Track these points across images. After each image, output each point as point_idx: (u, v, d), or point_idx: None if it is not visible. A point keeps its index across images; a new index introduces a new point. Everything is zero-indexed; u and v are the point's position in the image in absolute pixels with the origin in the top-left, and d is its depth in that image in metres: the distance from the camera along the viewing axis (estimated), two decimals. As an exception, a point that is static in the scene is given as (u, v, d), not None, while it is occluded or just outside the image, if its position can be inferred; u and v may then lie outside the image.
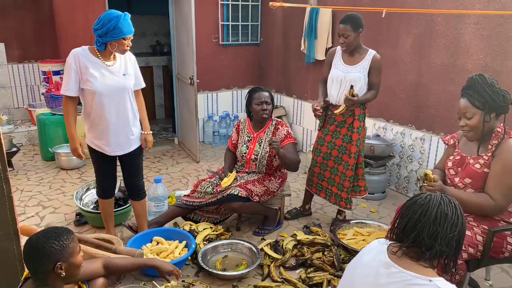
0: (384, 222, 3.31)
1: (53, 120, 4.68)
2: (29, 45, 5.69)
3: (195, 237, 2.99)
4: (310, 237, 3.10)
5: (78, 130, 4.59)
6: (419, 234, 1.46)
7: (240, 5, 5.58)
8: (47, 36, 5.73)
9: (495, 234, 2.15)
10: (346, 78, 3.09)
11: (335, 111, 3.13)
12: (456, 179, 2.30)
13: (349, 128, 3.17)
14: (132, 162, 2.89)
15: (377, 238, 2.95)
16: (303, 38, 4.94)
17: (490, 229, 2.15)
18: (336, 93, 3.17)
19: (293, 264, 2.87)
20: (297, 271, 2.83)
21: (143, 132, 2.96)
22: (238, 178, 3.26)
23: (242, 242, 3.01)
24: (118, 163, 2.92)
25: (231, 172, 3.26)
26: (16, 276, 1.96)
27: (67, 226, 3.30)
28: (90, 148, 2.81)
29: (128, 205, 3.35)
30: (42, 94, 5.47)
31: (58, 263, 1.65)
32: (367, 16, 4.05)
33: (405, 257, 1.49)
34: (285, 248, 2.99)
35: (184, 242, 2.91)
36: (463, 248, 2.11)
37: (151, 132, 3.00)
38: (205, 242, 3.01)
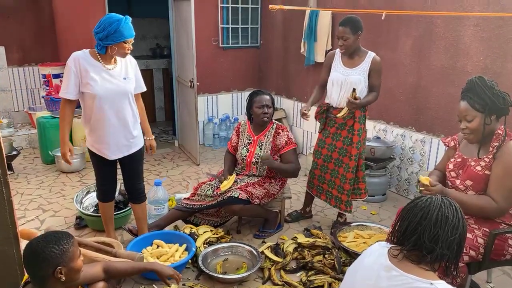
0: (384, 225, 3.30)
1: (53, 123, 4.67)
2: (29, 49, 5.69)
3: (195, 240, 2.98)
4: (311, 240, 3.10)
5: (78, 133, 4.67)
6: (420, 237, 1.46)
7: (240, 8, 5.59)
8: (47, 40, 5.74)
9: (496, 236, 2.14)
10: (347, 81, 3.09)
11: (338, 115, 3.13)
12: (457, 182, 2.30)
13: (350, 131, 3.17)
14: (132, 165, 2.89)
15: (377, 241, 2.96)
16: (302, 41, 4.94)
17: (491, 231, 2.14)
18: (336, 96, 3.17)
19: (294, 267, 2.86)
20: (298, 274, 2.82)
21: (146, 138, 2.96)
22: (238, 180, 3.25)
23: (242, 245, 3.00)
24: (118, 166, 2.92)
25: (231, 175, 3.25)
26: (16, 280, 1.95)
27: (67, 230, 3.32)
28: (90, 152, 2.80)
29: (128, 208, 3.34)
30: (42, 97, 5.47)
31: (58, 268, 1.65)
32: (366, 18, 4.06)
33: (406, 260, 1.49)
34: (286, 251, 2.98)
35: (184, 245, 2.90)
36: (464, 251, 2.10)
37: (153, 136, 3.01)
38: (205, 245, 3.00)
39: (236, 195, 3.02)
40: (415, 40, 3.83)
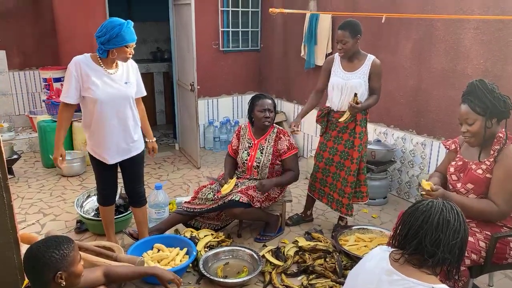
0: (385, 228, 3.29)
1: (54, 127, 4.65)
2: (30, 52, 5.70)
3: (196, 244, 2.98)
4: (312, 243, 3.09)
5: (79, 137, 4.66)
6: (421, 241, 1.45)
7: (240, 11, 5.60)
8: (48, 43, 5.75)
9: (498, 240, 2.13)
10: (347, 85, 3.09)
11: (340, 120, 3.14)
12: (458, 185, 2.29)
13: (351, 134, 3.17)
14: (133, 168, 2.89)
15: (379, 244, 2.97)
16: (303, 44, 4.95)
17: (493, 235, 2.14)
18: (337, 100, 3.17)
19: (295, 271, 2.85)
20: (299, 278, 2.81)
21: (148, 140, 2.97)
22: (239, 184, 3.25)
23: (243, 249, 2.99)
24: (119, 169, 2.92)
25: (232, 178, 3.25)
26: (16, 285, 1.95)
27: (67, 234, 3.32)
28: (90, 156, 2.80)
29: (128, 212, 3.34)
30: (43, 101, 5.48)
31: (59, 272, 1.64)
32: (367, 21, 4.07)
33: (407, 264, 1.49)
34: (287, 254, 2.98)
35: (185, 249, 2.90)
36: (466, 254, 2.09)
37: (155, 139, 3.03)
38: (206, 249, 3.00)
39: (237, 199, 3.02)
40: (415, 43, 3.83)
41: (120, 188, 3.30)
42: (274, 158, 3.25)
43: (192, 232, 3.18)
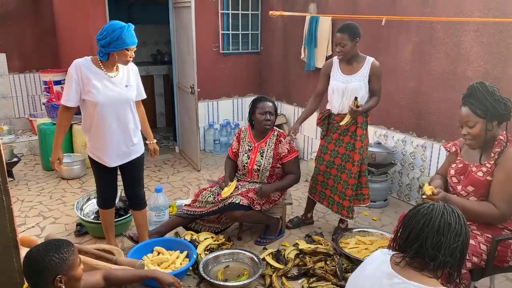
0: (386, 231, 3.29)
1: (54, 130, 4.61)
2: (30, 55, 5.71)
3: (196, 247, 2.97)
4: (312, 246, 3.08)
5: (79, 139, 4.66)
6: (423, 244, 1.45)
7: (240, 14, 5.61)
8: (48, 46, 5.76)
9: (499, 243, 2.13)
10: (348, 88, 3.09)
11: (341, 123, 3.14)
12: (459, 187, 2.29)
13: (352, 136, 3.16)
14: (133, 171, 2.88)
15: (379, 247, 2.96)
16: (303, 47, 4.95)
17: (494, 238, 2.13)
18: (338, 104, 3.17)
19: (295, 274, 2.84)
20: (299, 281, 2.80)
21: (149, 142, 2.97)
22: (239, 186, 3.25)
23: (243, 251, 2.99)
24: (118, 172, 2.91)
25: (232, 181, 3.25)
26: (16, 288, 1.94)
27: (67, 237, 3.31)
28: (90, 159, 2.80)
29: (128, 215, 3.33)
30: (43, 104, 5.48)
31: (58, 276, 1.64)
32: (367, 24, 4.08)
33: (408, 268, 1.48)
34: (287, 257, 2.97)
35: (185, 252, 2.89)
36: (467, 257, 2.09)
37: (155, 140, 3.03)
38: (206, 252, 2.99)
39: (237, 201, 3.01)
40: (415, 46, 3.83)
41: (120, 191, 3.29)
42: (274, 161, 3.25)
43: (192, 235, 3.17)
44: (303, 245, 3.10)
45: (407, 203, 4.11)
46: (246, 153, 3.32)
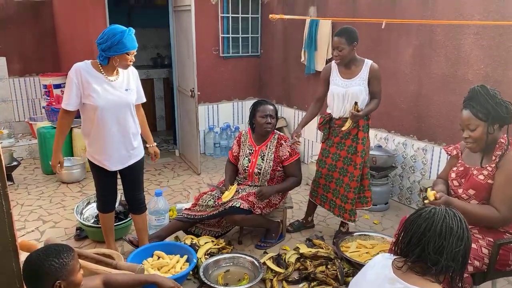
0: (387, 234, 3.27)
1: (53, 134, 4.59)
2: (30, 59, 5.71)
3: (196, 251, 2.96)
4: (313, 250, 3.07)
5: (79, 143, 4.65)
6: (424, 248, 1.44)
7: (240, 17, 5.62)
8: (48, 50, 5.76)
9: (501, 246, 2.12)
10: (348, 92, 3.08)
11: (343, 128, 3.14)
12: (460, 190, 2.28)
13: (354, 139, 3.16)
14: (133, 175, 2.88)
15: (381, 251, 2.95)
16: (303, 50, 4.96)
17: (495, 241, 2.12)
18: (338, 109, 3.17)
19: (296, 278, 2.83)
20: (300, 285, 2.79)
21: (149, 146, 2.97)
22: (240, 190, 3.24)
23: (244, 256, 2.97)
24: (118, 176, 2.90)
25: (232, 185, 3.24)
26: (15, 294, 1.93)
27: (67, 241, 3.30)
28: (90, 163, 2.79)
29: (128, 219, 3.32)
30: (43, 107, 5.48)
31: (58, 282, 1.63)
32: (366, 27, 4.08)
33: (410, 272, 1.47)
34: (288, 261, 2.95)
35: (185, 257, 2.87)
36: (469, 261, 2.07)
37: (155, 144, 3.03)
38: (206, 256, 2.98)
39: (237, 205, 3.00)
40: (416, 49, 3.83)
41: (120, 195, 3.28)
42: (275, 164, 3.24)
43: (192, 239, 3.16)
44: (304, 249, 3.09)
45: (408, 206, 4.09)
46: (247, 157, 3.31)
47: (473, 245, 2.13)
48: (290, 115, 5.57)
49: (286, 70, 5.51)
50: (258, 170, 3.24)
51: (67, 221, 3.69)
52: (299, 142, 3.26)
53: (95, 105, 2.57)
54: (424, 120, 3.87)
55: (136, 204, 2.96)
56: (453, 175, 2.35)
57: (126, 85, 2.70)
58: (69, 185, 4.50)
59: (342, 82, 3.13)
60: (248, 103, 5.53)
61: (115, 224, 3.10)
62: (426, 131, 3.87)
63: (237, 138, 3.45)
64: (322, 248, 3.12)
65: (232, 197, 3.10)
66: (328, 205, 3.38)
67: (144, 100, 2.92)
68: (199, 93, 4.71)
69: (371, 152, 3.84)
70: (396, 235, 1.65)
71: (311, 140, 5.19)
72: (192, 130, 4.90)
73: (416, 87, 3.89)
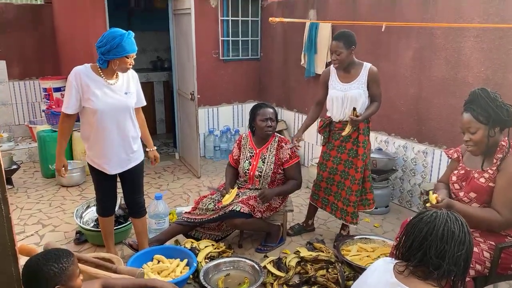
0: (388, 238, 3.26)
1: (53, 137, 4.65)
2: (30, 62, 5.71)
3: (196, 255, 2.94)
4: (314, 253, 3.06)
5: (79, 147, 4.65)
6: (426, 253, 1.44)
7: (240, 20, 5.62)
8: (48, 53, 5.76)
9: (503, 250, 2.11)
10: (347, 96, 3.08)
11: (343, 133, 3.13)
12: (461, 194, 2.27)
13: (355, 143, 3.15)
14: (132, 179, 2.87)
15: (381, 255, 2.94)
16: (303, 53, 4.96)
17: (497, 245, 2.11)
18: (338, 113, 3.16)
19: (297, 282, 2.81)
20: (301, 289, 2.77)
21: (149, 150, 2.96)
22: (240, 194, 3.23)
23: (244, 259, 2.96)
24: (118, 180, 2.90)
25: (233, 188, 3.23)
26: (14, 298, 1.91)
27: (67, 245, 3.29)
28: (90, 166, 2.78)
29: (128, 222, 3.31)
30: (43, 111, 5.48)
31: (57, 287, 1.62)
32: (366, 30, 4.09)
33: (412, 277, 1.46)
34: (288, 265, 2.94)
35: (185, 261, 2.86)
36: (471, 265, 2.06)
37: (155, 148, 3.02)
38: (206, 260, 2.96)
39: (237, 209, 2.99)
40: (416, 52, 3.83)
41: (120, 199, 3.27)
42: (276, 167, 3.23)
43: (192, 243, 3.15)
44: (305, 253, 3.08)
45: (408, 209, 4.08)
46: (247, 160, 3.30)
47: (475, 249, 2.12)
48: (290, 118, 5.57)
49: (286, 73, 5.51)
50: (259, 173, 3.23)
51: (67, 224, 3.68)
52: (299, 146, 3.26)
53: (94, 109, 2.57)
54: (425, 123, 3.86)
55: (136, 208, 2.95)
56: (454, 178, 2.34)
57: (126, 89, 2.69)
58: (68, 188, 4.49)
59: (341, 86, 3.13)
60: (248, 106, 5.53)
61: (114, 228, 3.09)
62: (427, 134, 3.86)
63: (237, 142, 3.44)
64: (323, 252, 3.11)
65: (232, 201, 3.09)
66: (330, 208, 3.37)
67: (144, 103, 2.91)
68: (199, 96, 4.71)
69: (371, 155, 3.83)
70: (397, 239, 1.64)
71: (311, 143, 5.18)
72: (192, 133, 4.89)
73: (416, 90, 3.89)
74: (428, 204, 2.11)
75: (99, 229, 3.06)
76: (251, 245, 3.37)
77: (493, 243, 2.16)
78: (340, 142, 3.21)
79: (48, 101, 5.42)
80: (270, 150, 3.26)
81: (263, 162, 3.25)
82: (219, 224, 3.30)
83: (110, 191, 2.89)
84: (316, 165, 3.48)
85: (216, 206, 3.13)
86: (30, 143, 5.43)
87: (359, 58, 3.18)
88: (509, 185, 2.10)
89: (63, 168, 2.74)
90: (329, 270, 2.87)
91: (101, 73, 2.61)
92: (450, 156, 2.45)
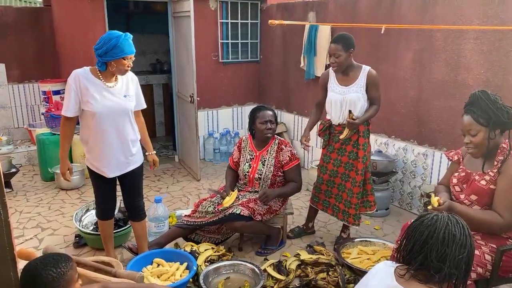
0: (388, 240, 3.24)
1: (52, 140, 4.65)
2: (29, 65, 5.70)
3: (196, 258, 2.93)
4: (314, 256, 3.05)
5: (78, 150, 4.64)
6: (427, 256, 1.43)
7: (239, 23, 5.62)
8: (47, 56, 5.76)
9: (504, 253, 2.10)
10: (345, 99, 3.08)
11: (340, 137, 3.13)
12: (462, 196, 2.27)
13: (355, 145, 3.15)
14: (132, 182, 2.86)
15: (382, 257, 2.92)
16: (302, 55, 4.96)
17: (498, 248, 2.10)
18: (337, 116, 3.16)
19: (297, 285, 2.80)
20: (301, 292, 2.76)
21: (148, 153, 2.95)
22: (240, 196, 3.22)
23: (244, 263, 2.94)
24: (118, 183, 2.89)
25: (233, 191, 3.22)
26: (13, 303, 1.90)
27: (66, 248, 3.28)
28: (89, 169, 2.78)
29: (128, 226, 3.30)
30: (42, 114, 5.47)
31: (55, 291, 1.61)
32: (366, 32, 4.08)
33: (413, 280, 1.46)
34: (289, 268, 2.93)
35: (185, 264, 2.85)
36: (472, 268, 2.05)
37: (154, 152, 3.01)
38: (206, 264, 2.95)
39: (237, 212, 2.98)
40: (415, 54, 3.83)
41: (119, 202, 3.26)
42: (276, 169, 3.22)
43: (192, 246, 3.14)
44: (305, 256, 3.07)
45: (409, 211, 4.08)
46: (247, 162, 3.29)
47: (476, 252, 2.11)
48: (290, 120, 5.56)
49: (285, 75, 5.51)
50: (259, 175, 3.23)
51: (66, 228, 3.67)
52: (308, 145, 3.24)
53: (93, 112, 2.56)
54: (425, 125, 3.86)
55: (135, 211, 2.94)
56: (454, 180, 2.33)
57: (125, 92, 2.69)
58: (68, 192, 4.47)
59: (339, 89, 3.12)
60: (248, 109, 5.52)
61: (114, 231, 3.08)
62: (427, 136, 3.85)
63: (237, 144, 3.43)
64: (323, 255, 3.10)
65: (232, 204, 3.08)
66: (331, 210, 3.36)
67: (144, 106, 2.90)
68: (198, 98, 4.71)
69: (371, 157, 3.83)
70: (398, 242, 1.63)
71: (311, 145, 5.17)
72: (191, 135, 4.89)
73: (416, 92, 3.88)
74: (430, 207, 2.10)
75: (99, 233, 3.05)
76: (251, 248, 3.35)
77: (494, 245, 2.15)
78: (340, 144, 3.20)
79: (48, 104, 5.41)
80: (270, 153, 3.25)
81: (263, 165, 3.24)
82: (219, 227, 3.29)
83: (110, 194, 2.88)
84: (316, 167, 3.47)
85: (216, 209, 3.12)
86: (29, 146, 5.42)
87: (358, 61, 3.17)
88: (510, 188, 2.09)
89: (68, 172, 2.73)
90: (330, 273, 2.86)
91: (100, 76, 2.60)
92: (451, 158, 2.44)
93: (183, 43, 4.79)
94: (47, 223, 3.77)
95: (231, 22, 5.56)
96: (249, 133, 3.38)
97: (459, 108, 2.28)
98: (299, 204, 4.22)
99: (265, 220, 3.21)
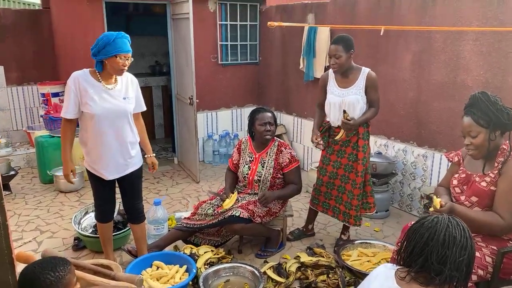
0: (388, 242, 3.24)
1: (51, 143, 4.64)
2: (28, 68, 5.70)
3: (196, 261, 2.92)
4: (314, 259, 3.04)
5: (77, 152, 4.63)
6: (428, 258, 1.42)
7: (238, 25, 5.62)
8: (46, 58, 5.75)
9: (505, 255, 2.09)
10: (344, 101, 3.07)
11: (335, 138, 3.13)
12: (462, 198, 2.26)
13: (354, 147, 3.14)
14: (131, 184, 2.85)
15: (382, 259, 2.92)
16: (301, 57, 4.95)
17: (499, 250, 2.09)
18: (336, 118, 3.15)
19: (297, 287, 2.79)
20: (301, 295, 2.75)
21: (147, 156, 2.94)
22: (240, 198, 3.21)
23: (244, 265, 2.93)
24: (117, 185, 2.88)
25: (233, 193, 3.21)
26: (11, 307, 1.89)
27: (65, 251, 3.27)
28: (88, 172, 2.77)
29: (127, 228, 3.29)
30: (41, 116, 5.46)
31: (54, 295, 1.59)
32: (365, 34, 4.09)
33: (414, 283, 1.45)
34: (289, 271, 2.92)
35: (184, 267, 2.84)
36: (473, 270, 2.05)
37: (153, 154, 3.00)
38: (206, 266, 2.94)
39: (237, 214, 2.97)
40: (415, 55, 3.83)
41: (119, 204, 3.25)
42: (275, 171, 3.22)
43: (191, 248, 3.13)
44: (305, 258, 3.06)
45: (408, 213, 4.07)
46: (247, 164, 3.29)
47: (477, 254, 2.11)
48: (289, 122, 5.56)
49: (284, 77, 5.51)
50: (258, 178, 3.22)
51: (65, 231, 3.65)
52: (321, 143, 3.22)
53: (92, 113, 2.56)
54: (424, 127, 3.85)
55: (134, 214, 2.93)
56: (455, 182, 2.33)
57: (124, 94, 2.68)
58: (67, 194, 4.46)
59: (338, 91, 3.12)
60: (247, 110, 5.53)
61: (113, 234, 3.07)
62: (426, 137, 3.85)
63: (237, 146, 3.43)
64: (323, 257, 3.09)
65: (232, 206, 3.07)
66: (332, 211, 3.35)
67: (144, 108, 2.90)
68: (197, 100, 4.70)
69: (371, 159, 3.82)
70: (398, 244, 1.63)
71: (311, 147, 5.17)
72: (191, 137, 4.88)
73: (415, 94, 3.88)
74: (431, 209, 2.09)
75: (98, 235, 3.04)
76: (251, 250, 3.34)
77: (495, 247, 2.14)
78: (339, 146, 3.20)
79: (46, 107, 5.40)
80: (269, 155, 3.25)
81: (263, 167, 3.23)
82: (219, 230, 3.28)
83: (109, 196, 2.87)
84: (316, 169, 3.46)
85: (216, 211, 3.11)
86: (28, 149, 5.41)
87: (357, 63, 3.17)
88: (511, 189, 2.08)
89: (71, 173, 2.72)
90: (330, 275, 2.85)
91: (100, 78, 2.60)
92: (451, 159, 2.44)
93: (182, 45, 4.78)
94: (46, 225, 3.76)
95: (230, 24, 5.56)
96: (248, 135, 3.37)
97: (459, 109, 2.27)
98: (298, 206, 4.21)
99: (265, 222, 3.20)
